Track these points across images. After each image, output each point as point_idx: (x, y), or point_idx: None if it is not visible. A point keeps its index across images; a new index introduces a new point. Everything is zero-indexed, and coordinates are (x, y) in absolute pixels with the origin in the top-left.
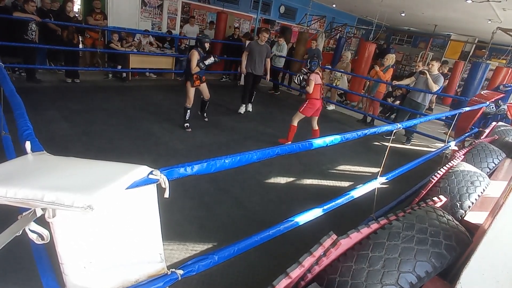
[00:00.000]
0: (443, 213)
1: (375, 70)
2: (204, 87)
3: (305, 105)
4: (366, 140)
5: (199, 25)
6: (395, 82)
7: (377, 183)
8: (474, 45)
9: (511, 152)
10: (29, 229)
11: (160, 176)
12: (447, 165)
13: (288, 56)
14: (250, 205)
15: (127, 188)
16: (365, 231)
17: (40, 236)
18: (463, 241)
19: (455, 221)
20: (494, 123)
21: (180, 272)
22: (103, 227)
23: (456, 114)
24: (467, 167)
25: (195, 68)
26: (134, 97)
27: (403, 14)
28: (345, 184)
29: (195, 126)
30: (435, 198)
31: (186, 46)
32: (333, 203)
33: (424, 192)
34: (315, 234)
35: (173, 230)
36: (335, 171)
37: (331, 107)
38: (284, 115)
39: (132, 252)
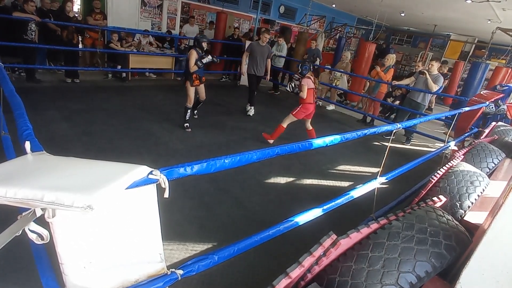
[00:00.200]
0: (443, 213)
1: (376, 71)
2: (201, 88)
3: (298, 109)
4: (366, 140)
5: (198, 25)
6: (395, 82)
7: (377, 183)
8: (474, 45)
9: (511, 152)
10: (28, 229)
11: (160, 176)
12: (446, 165)
13: (288, 56)
14: (250, 205)
15: (127, 188)
16: (365, 231)
17: (40, 236)
18: (463, 241)
19: (455, 221)
20: (493, 123)
21: (180, 272)
22: (103, 227)
23: (455, 114)
24: (466, 167)
25: (193, 67)
26: (134, 97)
27: (403, 14)
28: (345, 184)
29: (195, 126)
30: (434, 198)
31: (186, 46)
32: (333, 203)
33: (424, 192)
34: (315, 234)
35: (173, 230)
36: (335, 171)
37: (331, 107)
38: (284, 115)
39: (132, 252)
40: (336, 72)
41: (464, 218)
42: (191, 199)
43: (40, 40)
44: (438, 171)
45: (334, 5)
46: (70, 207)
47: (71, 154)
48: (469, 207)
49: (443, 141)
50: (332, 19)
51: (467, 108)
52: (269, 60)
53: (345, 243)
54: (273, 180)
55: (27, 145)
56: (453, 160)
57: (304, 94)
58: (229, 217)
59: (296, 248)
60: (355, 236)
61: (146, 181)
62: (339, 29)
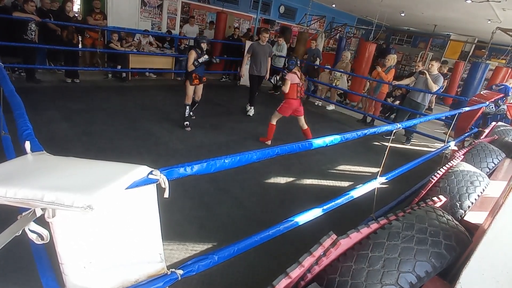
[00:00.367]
0: (443, 213)
1: (377, 71)
2: (200, 87)
3: (281, 104)
4: (366, 140)
5: (199, 25)
6: (395, 82)
7: (377, 183)
8: (474, 45)
9: (511, 152)
10: (28, 229)
11: (160, 176)
12: (446, 165)
13: (288, 56)
14: (250, 205)
15: (127, 188)
16: (365, 231)
17: (40, 236)
18: (463, 241)
19: (454, 221)
20: (493, 123)
21: (180, 272)
22: (103, 227)
23: (455, 114)
24: (466, 167)
25: (190, 66)
26: (134, 97)
27: (403, 14)
28: (345, 184)
29: (195, 126)
30: (434, 198)
31: (186, 46)
32: (333, 203)
33: (424, 192)
34: (315, 234)
35: (173, 230)
36: (335, 171)
37: (331, 107)
38: None
39: (132, 252)
40: (336, 72)
41: (464, 218)
42: (191, 199)
43: (40, 40)
44: (438, 171)
45: (334, 5)
46: (70, 207)
47: (71, 154)
48: (469, 207)
49: (443, 141)
50: (332, 19)
51: (467, 108)
52: (269, 58)
53: (345, 243)
54: (273, 180)
55: (27, 145)
56: (453, 160)
57: (285, 88)
58: (229, 217)
59: (296, 248)
60: (355, 236)
61: (146, 181)
62: (339, 29)
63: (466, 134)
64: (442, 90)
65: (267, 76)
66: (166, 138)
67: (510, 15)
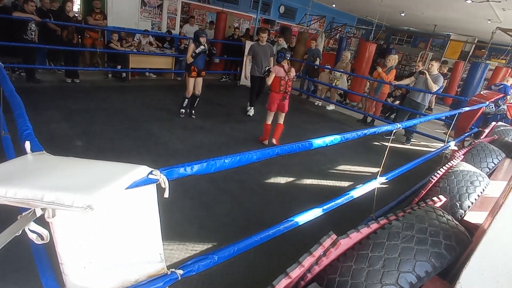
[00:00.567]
0: (443, 213)
1: (377, 72)
2: (199, 81)
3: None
4: (366, 140)
5: (199, 25)
6: (395, 82)
7: (377, 183)
8: (474, 45)
9: (511, 152)
10: (28, 229)
11: (160, 176)
12: (446, 165)
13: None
14: (250, 205)
15: (127, 188)
16: (365, 231)
17: (40, 236)
18: (463, 241)
19: (454, 221)
20: (493, 123)
21: (180, 272)
22: (103, 227)
23: (455, 114)
24: (466, 167)
25: (188, 58)
26: (134, 97)
27: (403, 14)
28: (345, 184)
29: (195, 126)
30: (434, 198)
31: (186, 46)
32: (333, 203)
33: (424, 192)
34: (315, 234)
35: (173, 230)
36: (335, 171)
37: (331, 107)
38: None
39: (132, 252)
40: (336, 72)
41: (464, 218)
42: (191, 199)
43: (40, 40)
44: (438, 171)
45: (334, 5)
46: (70, 207)
47: (71, 154)
48: (469, 207)
49: (443, 141)
50: (332, 19)
51: (467, 108)
52: (272, 58)
53: (345, 243)
54: (273, 180)
55: (27, 145)
56: (453, 160)
57: (268, 80)
58: (229, 217)
59: (296, 248)
60: (355, 236)
61: (146, 181)
62: (339, 29)
63: (466, 134)
64: (441, 90)
65: None
66: (166, 138)
67: (510, 15)
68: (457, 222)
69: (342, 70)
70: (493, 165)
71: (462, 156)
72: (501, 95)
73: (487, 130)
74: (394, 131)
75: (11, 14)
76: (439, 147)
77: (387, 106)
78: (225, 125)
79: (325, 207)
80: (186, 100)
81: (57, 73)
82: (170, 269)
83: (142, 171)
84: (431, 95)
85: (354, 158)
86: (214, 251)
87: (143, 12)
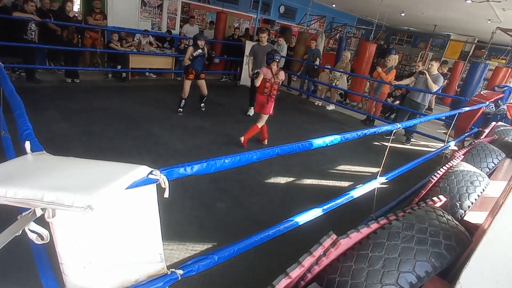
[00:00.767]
0: (443, 213)
1: (377, 72)
2: (202, 83)
3: None
4: (366, 140)
5: (199, 25)
6: (395, 82)
7: (377, 183)
8: (474, 45)
9: (511, 152)
10: (28, 229)
11: (160, 176)
12: (446, 165)
13: (288, 56)
14: (250, 205)
15: (127, 188)
16: (365, 231)
17: (40, 236)
18: (463, 241)
19: (454, 221)
20: (493, 123)
21: (180, 272)
22: (103, 227)
23: (455, 114)
24: (466, 167)
25: (186, 61)
26: (134, 97)
27: (403, 14)
28: (345, 184)
29: (195, 126)
30: (434, 198)
31: (186, 46)
32: (333, 203)
33: (424, 192)
34: (315, 234)
35: (173, 230)
36: (335, 171)
37: (331, 107)
38: (284, 115)
39: (132, 252)
40: (336, 72)
41: (464, 218)
42: (191, 199)
43: (40, 40)
44: (438, 171)
45: (334, 5)
46: (70, 207)
47: (71, 154)
48: (469, 207)
49: (443, 141)
50: (332, 19)
51: (467, 108)
52: None
53: (345, 243)
54: (273, 180)
55: (27, 145)
56: (453, 160)
57: (256, 82)
58: (229, 217)
59: (296, 248)
60: (355, 236)
61: (146, 181)
62: (339, 29)
63: (466, 134)
64: (441, 90)
65: None
66: (166, 138)
67: (510, 15)
68: (457, 222)
69: (342, 70)
70: (493, 165)
71: (462, 156)
72: (501, 95)
73: (487, 130)
74: (394, 131)
75: (11, 14)
76: (439, 147)
77: (387, 106)
78: (225, 125)
79: (325, 207)
80: (183, 100)
81: (57, 73)
82: (170, 269)
83: (142, 171)
84: (431, 95)
85: (354, 158)
86: (214, 251)
87: (143, 12)
